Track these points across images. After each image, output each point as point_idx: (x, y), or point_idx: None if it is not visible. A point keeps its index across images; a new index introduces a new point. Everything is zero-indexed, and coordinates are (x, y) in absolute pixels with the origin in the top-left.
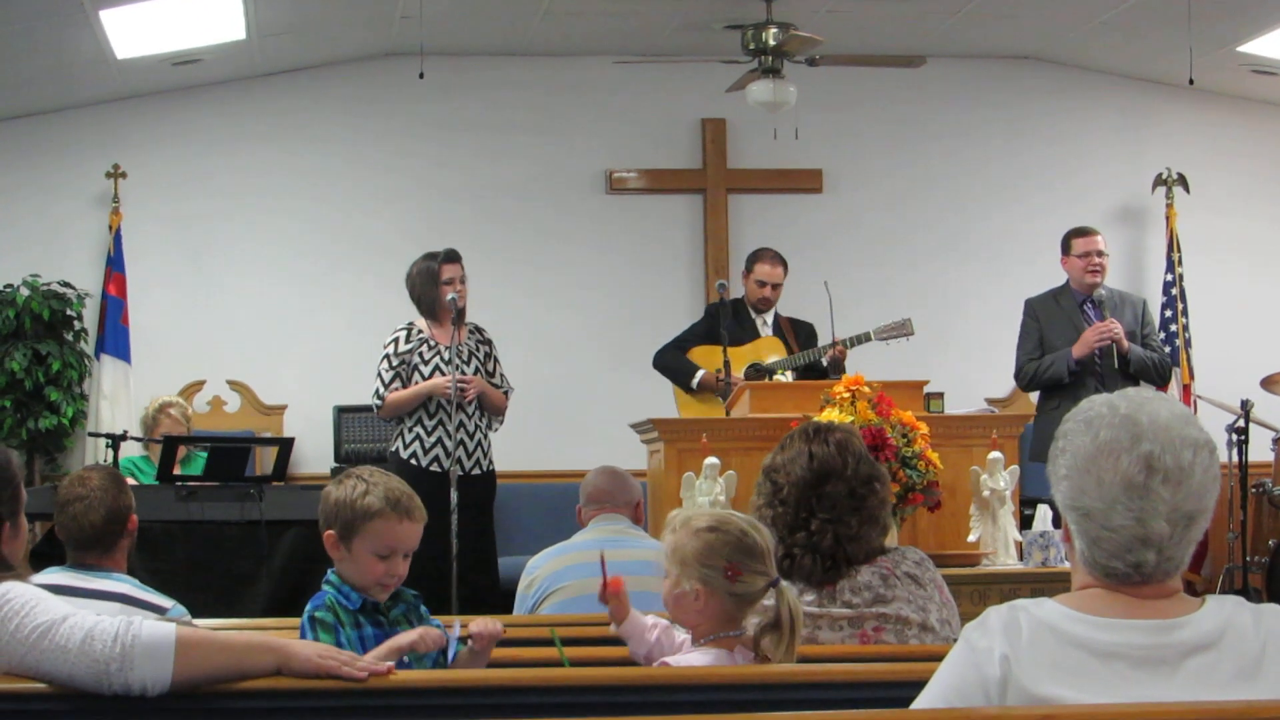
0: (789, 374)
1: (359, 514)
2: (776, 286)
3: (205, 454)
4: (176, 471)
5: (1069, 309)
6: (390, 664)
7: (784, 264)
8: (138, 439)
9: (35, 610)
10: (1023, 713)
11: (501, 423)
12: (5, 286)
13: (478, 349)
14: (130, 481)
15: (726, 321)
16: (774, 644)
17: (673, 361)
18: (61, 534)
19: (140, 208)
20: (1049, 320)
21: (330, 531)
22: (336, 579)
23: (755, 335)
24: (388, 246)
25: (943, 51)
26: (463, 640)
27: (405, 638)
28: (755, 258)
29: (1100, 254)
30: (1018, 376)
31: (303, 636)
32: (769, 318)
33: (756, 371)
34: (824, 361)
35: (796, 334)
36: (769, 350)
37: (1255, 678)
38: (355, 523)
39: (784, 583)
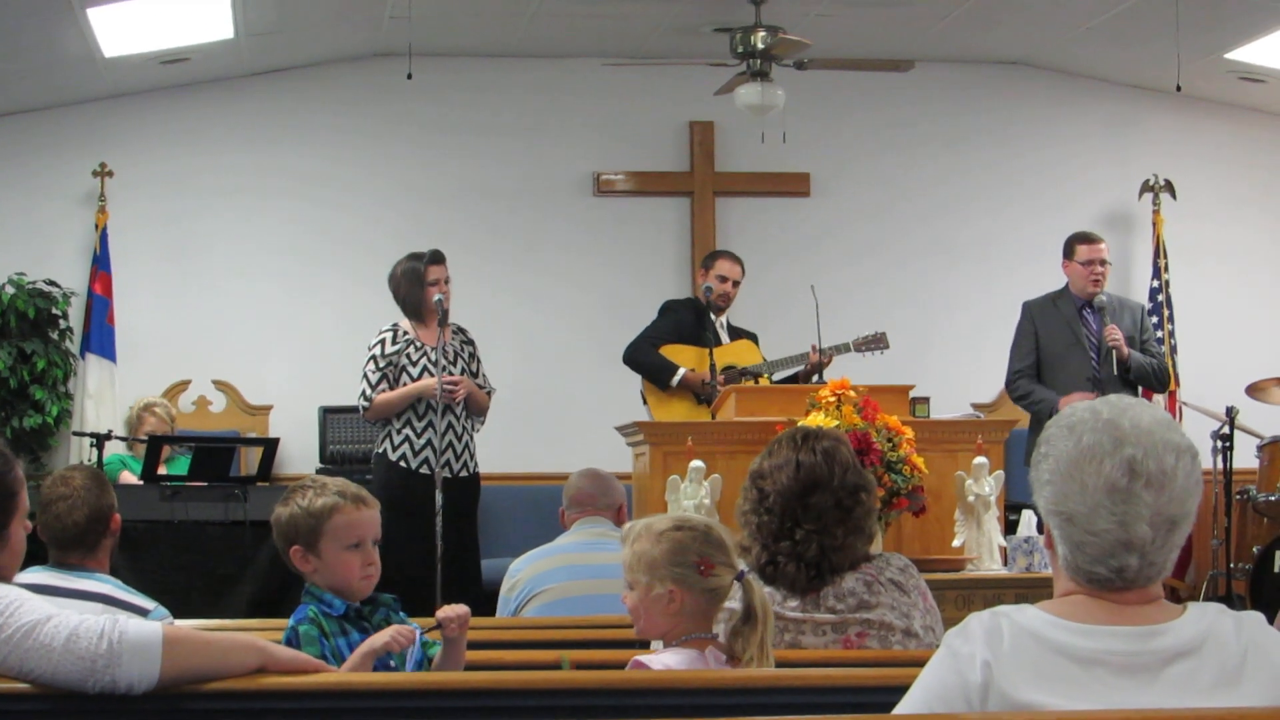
0: (767, 379)
1: (317, 516)
2: (737, 284)
3: (189, 454)
4: (161, 471)
5: (1068, 314)
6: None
7: (741, 264)
8: (122, 438)
9: (19, 610)
10: (1004, 719)
11: (483, 423)
12: None
13: (462, 349)
14: (124, 474)
15: (706, 322)
16: (747, 639)
17: (649, 358)
18: (44, 534)
19: (127, 207)
20: (1046, 325)
21: (295, 547)
22: (316, 589)
23: (716, 337)
24: (375, 247)
25: (931, 56)
26: (426, 646)
27: (378, 639)
28: (715, 255)
29: (1104, 262)
30: (1009, 386)
31: None
32: (724, 321)
33: (739, 375)
34: (806, 367)
35: (745, 340)
36: (747, 355)
37: (1236, 685)
38: (317, 525)
39: (749, 575)
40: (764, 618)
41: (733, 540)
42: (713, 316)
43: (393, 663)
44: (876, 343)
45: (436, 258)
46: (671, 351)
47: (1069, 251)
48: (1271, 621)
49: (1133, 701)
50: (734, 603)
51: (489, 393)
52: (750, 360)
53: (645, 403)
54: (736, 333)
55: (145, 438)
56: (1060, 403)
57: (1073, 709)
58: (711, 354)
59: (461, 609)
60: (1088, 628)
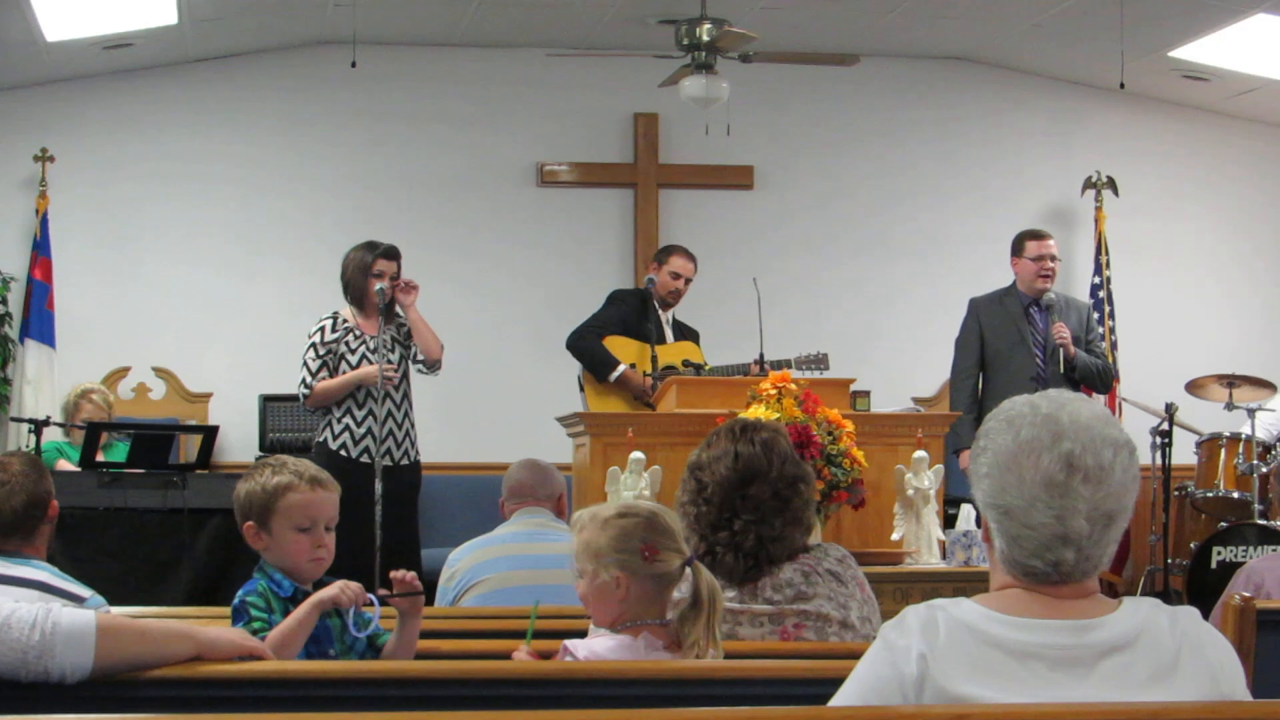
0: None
1: (271, 494)
2: (688, 281)
3: (127, 441)
4: (98, 458)
5: (1014, 312)
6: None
7: (695, 261)
8: (60, 424)
9: None
10: (939, 712)
11: (440, 368)
12: None
13: (401, 335)
14: (61, 462)
15: (651, 316)
16: (692, 624)
17: (592, 349)
18: None
19: (68, 192)
20: (992, 322)
21: (249, 523)
22: (268, 567)
23: (661, 332)
24: (317, 235)
25: (876, 51)
26: (375, 638)
27: (326, 592)
28: (669, 250)
29: (1054, 258)
30: (953, 383)
31: (234, 622)
32: (670, 316)
33: (677, 374)
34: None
35: (688, 338)
36: (689, 356)
37: (1170, 680)
38: (270, 503)
39: (697, 560)
40: (711, 602)
41: (681, 526)
42: (659, 311)
43: (333, 651)
44: (818, 363)
45: (389, 254)
46: (614, 343)
47: (1018, 248)
48: (1206, 617)
49: (1068, 695)
50: (684, 589)
51: (441, 347)
52: (695, 358)
53: (581, 389)
54: (681, 329)
55: (83, 425)
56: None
57: (1008, 702)
58: (654, 351)
59: (410, 573)
60: (1023, 621)
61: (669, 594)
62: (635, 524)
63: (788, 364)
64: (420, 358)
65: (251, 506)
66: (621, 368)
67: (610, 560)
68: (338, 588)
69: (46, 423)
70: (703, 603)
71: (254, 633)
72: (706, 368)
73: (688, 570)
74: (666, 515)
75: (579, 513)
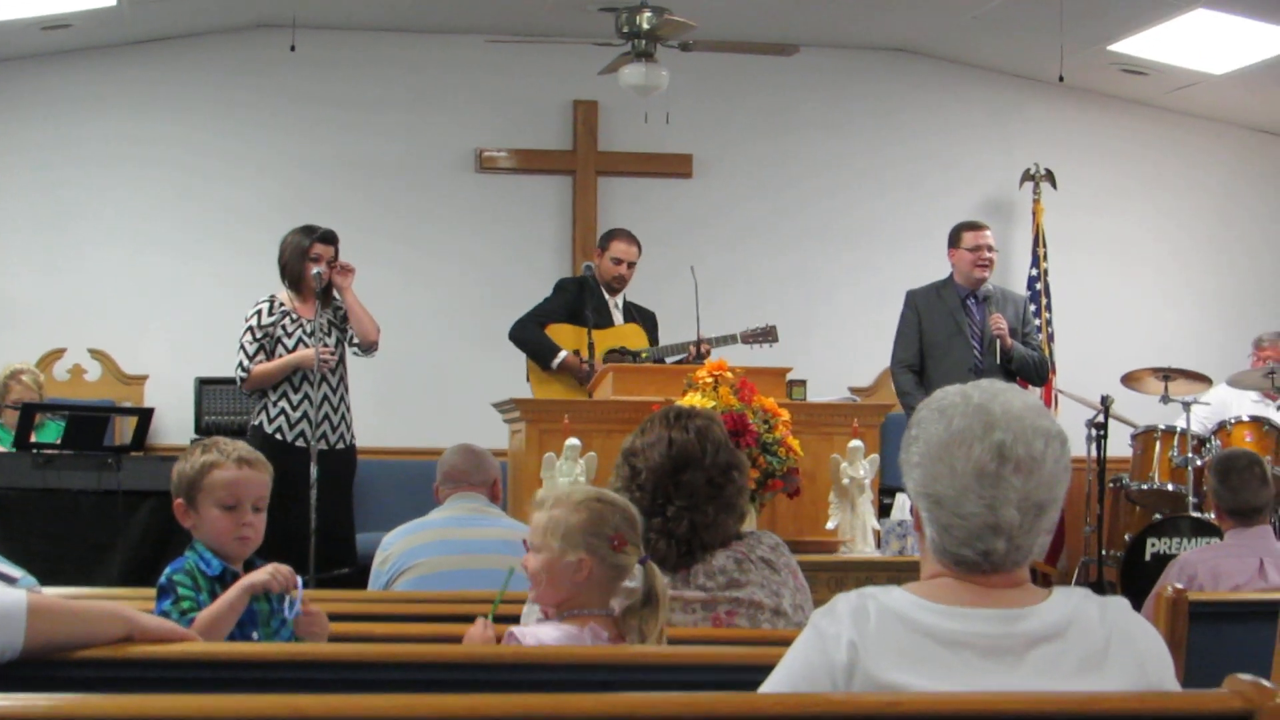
0: (653, 362)
1: (199, 471)
2: (632, 265)
3: (62, 422)
4: (32, 439)
5: (952, 304)
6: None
7: (638, 244)
8: (5, 406)
9: None
10: (868, 699)
11: (376, 349)
12: None
13: (338, 319)
14: None
15: (592, 302)
16: (646, 621)
17: (534, 337)
18: None
19: (4, 173)
20: (929, 314)
21: (179, 501)
22: (199, 546)
23: (609, 317)
24: (255, 218)
25: (816, 41)
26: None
27: (257, 576)
28: (611, 235)
29: (990, 248)
30: (894, 373)
31: (159, 599)
32: (620, 301)
33: (620, 357)
34: (689, 358)
35: (644, 321)
36: (633, 338)
37: (1099, 670)
38: (197, 480)
39: (651, 560)
40: (663, 603)
41: (643, 524)
42: (606, 296)
43: (256, 635)
44: (765, 335)
45: (327, 238)
46: (555, 331)
47: (955, 240)
48: (1138, 608)
49: (997, 684)
50: (633, 583)
51: (378, 329)
52: (637, 344)
53: (529, 381)
54: (636, 312)
55: (17, 405)
56: None
57: (938, 690)
58: (590, 335)
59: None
60: (954, 610)
61: (617, 587)
62: (611, 511)
63: (733, 338)
64: (356, 341)
65: (181, 483)
66: (563, 354)
67: (579, 541)
68: (268, 572)
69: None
70: (657, 603)
71: (182, 612)
72: (644, 354)
73: (639, 566)
74: (635, 511)
75: (543, 491)
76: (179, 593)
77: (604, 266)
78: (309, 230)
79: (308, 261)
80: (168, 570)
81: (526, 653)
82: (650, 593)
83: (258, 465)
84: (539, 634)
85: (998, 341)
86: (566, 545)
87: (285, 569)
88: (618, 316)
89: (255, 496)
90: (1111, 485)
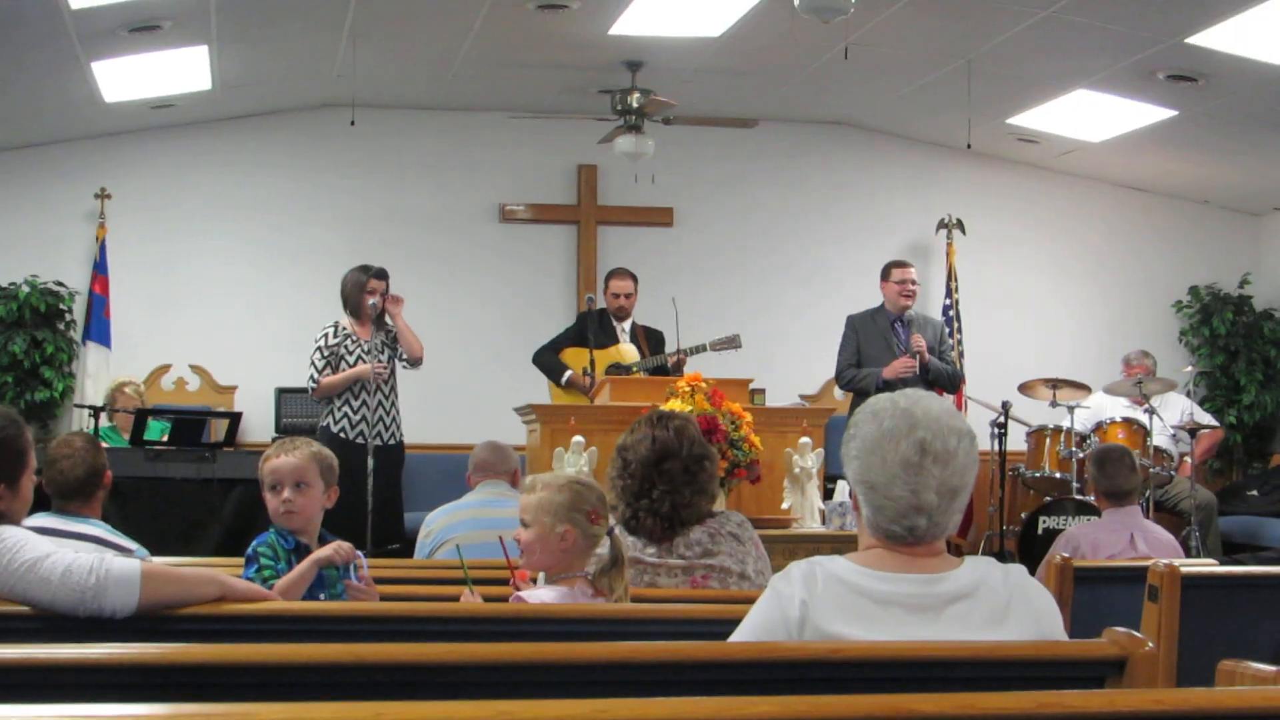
0: (643, 374)
1: (261, 464)
2: (629, 296)
3: (166, 423)
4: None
5: (883, 326)
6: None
7: (633, 278)
8: (116, 410)
9: (24, 548)
10: (816, 647)
11: (421, 363)
12: (9, 284)
13: (389, 340)
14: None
15: (593, 329)
16: (613, 579)
17: (547, 361)
18: (49, 486)
19: (122, 223)
20: (865, 334)
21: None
22: (278, 524)
23: (616, 340)
24: (320, 260)
25: (772, 116)
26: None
27: (323, 551)
28: (610, 274)
29: (914, 282)
30: (838, 378)
31: (246, 566)
32: (627, 325)
33: (617, 371)
34: (669, 365)
35: (649, 340)
36: (628, 355)
37: (1003, 623)
38: (261, 471)
39: (617, 529)
40: (625, 564)
41: (631, 505)
42: (615, 322)
43: (322, 595)
44: (730, 343)
45: (380, 274)
46: (573, 353)
47: (885, 275)
48: (1033, 573)
49: (920, 635)
50: (603, 550)
51: (422, 347)
52: (631, 359)
53: (551, 396)
54: (644, 333)
55: (133, 410)
56: (884, 372)
57: (872, 640)
58: (591, 355)
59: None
60: (885, 574)
61: (591, 553)
62: (588, 492)
63: (703, 348)
64: (405, 357)
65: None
66: (569, 372)
67: (565, 515)
68: (333, 548)
69: (103, 409)
70: (621, 563)
71: (264, 579)
72: (635, 368)
73: (607, 536)
74: (601, 490)
75: (532, 477)
76: (261, 562)
77: (606, 299)
78: (365, 269)
79: (365, 294)
80: (254, 543)
81: (536, 609)
82: (616, 556)
83: (292, 451)
84: (540, 595)
85: (918, 356)
86: (555, 519)
87: (346, 545)
88: (624, 338)
89: (292, 478)
90: (1010, 474)
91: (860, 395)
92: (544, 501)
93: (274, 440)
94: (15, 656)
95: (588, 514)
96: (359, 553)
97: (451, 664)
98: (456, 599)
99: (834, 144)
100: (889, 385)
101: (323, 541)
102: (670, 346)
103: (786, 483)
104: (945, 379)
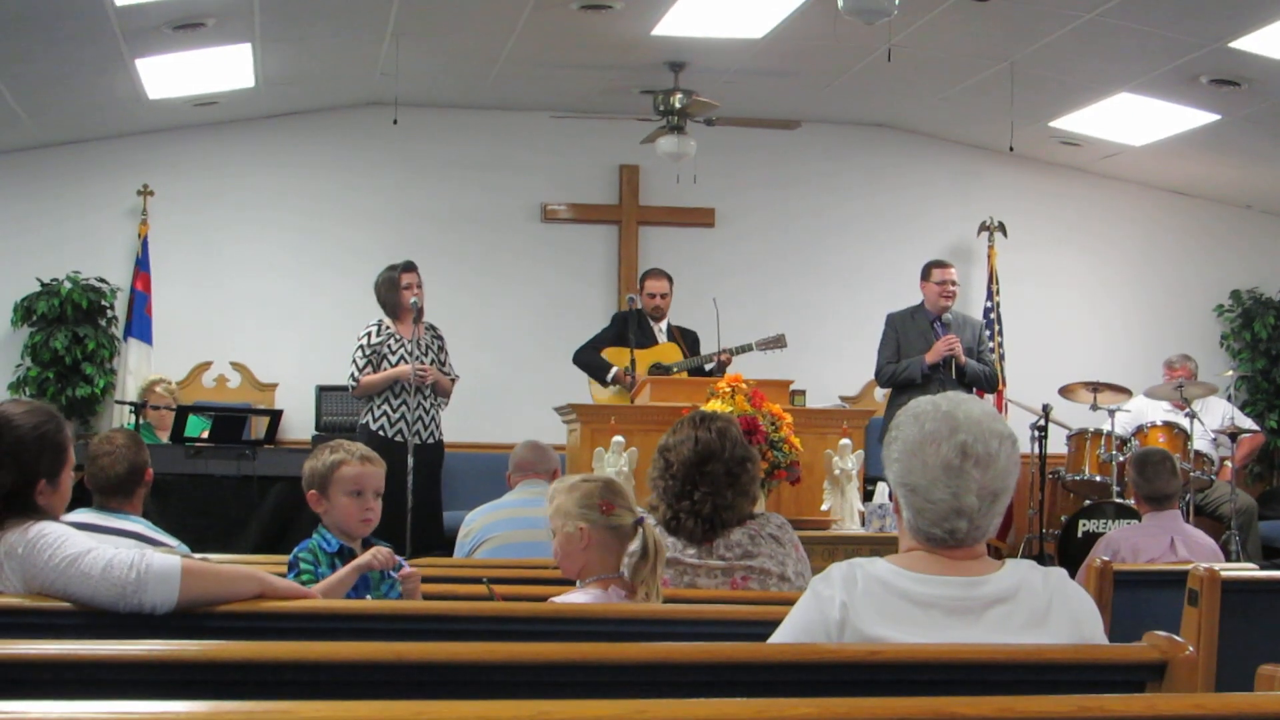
0: (684, 374)
1: (330, 467)
2: (665, 296)
3: (205, 420)
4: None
5: (922, 325)
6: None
7: (668, 278)
8: (155, 407)
9: (65, 544)
10: (856, 649)
11: (447, 403)
12: (51, 280)
13: (433, 343)
14: None
15: (633, 328)
16: (643, 572)
17: (590, 359)
18: (90, 482)
19: (164, 220)
20: (905, 332)
21: (312, 491)
22: (323, 529)
23: (654, 340)
24: (364, 257)
25: (815, 118)
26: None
27: (363, 558)
28: (645, 275)
29: (954, 283)
30: (878, 375)
31: (288, 573)
32: (664, 325)
33: (659, 370)
34: (707, 367)
35: (685, 340)
36: (670, 354)
37: (1042, 626)
38: (329, 475)
39: (647, 519)
40: (656, 553)
41: (630, 490)
42: (652, 322)
43: (368, 597)
44: (776, 342)
45: (408, 267)
46: (612, 353)
47: (925, 275)
48: (1073, 577)
49: (960, 638)
50: (636, 545)
51: (453, 380)
52: (672, 359)
53: (591, 396)
54: (679, 333)
55: (170, 408)
56: (927, 356)
57: (912, 642)
58: (633, 354)
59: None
60: (925, 577)
61: (624, 549)
62: (594, 486)
63: (749, 347)
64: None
65: (314, 478)
66: (614, 370)
67: (576, 514)
68: (370, 555)
69: (144, 405)
70: (650, 553)
71: (303, 584)
72: (675, 369)
73: (640, 530)
74: (617, 482)
75: (551, 485)
76: (301, 568)
77: (643, 299)
78: (393, 267)
79: (401, 291)
80: (296, 549)
81: (573, 609)
82: (646, 546)
83: (376, 461)
84: (572, 598)
85: (953, 359)
86: (567, 520)
87: (385, 551)
88: (661, 338)
89: (375, 486)
90: (1051, 477)
91: (903, 387)
92: (558, 508)
93: (314, 440)
94: (56, 652)
95: (598, 506)
96: (399, 558)
97: (491, 664)
98: (487, 597)
99: (876, 146)
100: (933, 369)
101: (365, 545)
102: (705, 347)
103: (826, 484)
104: (983, 380)
